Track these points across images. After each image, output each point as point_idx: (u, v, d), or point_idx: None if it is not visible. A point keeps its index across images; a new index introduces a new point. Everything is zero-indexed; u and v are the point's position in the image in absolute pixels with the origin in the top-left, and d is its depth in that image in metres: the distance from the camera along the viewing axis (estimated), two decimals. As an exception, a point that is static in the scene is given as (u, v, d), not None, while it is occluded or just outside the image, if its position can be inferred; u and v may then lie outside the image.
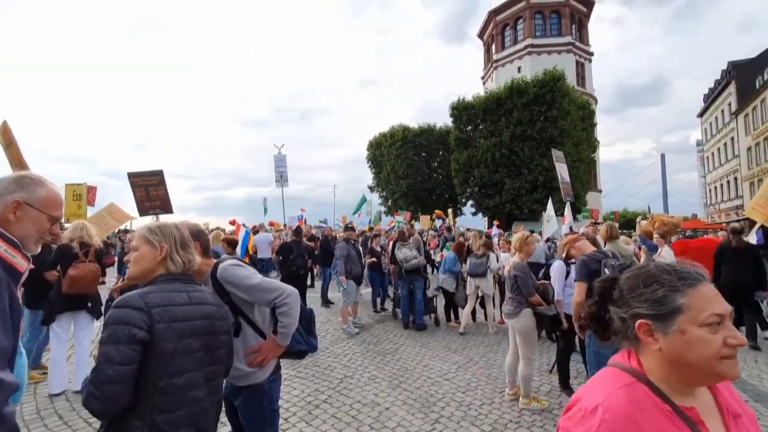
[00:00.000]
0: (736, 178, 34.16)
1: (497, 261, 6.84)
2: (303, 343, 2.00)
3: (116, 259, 7.21)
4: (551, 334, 4.30)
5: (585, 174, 26.56)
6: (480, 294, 6.57)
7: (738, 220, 24.62)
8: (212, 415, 1.42)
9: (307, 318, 2.04)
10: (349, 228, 7.77)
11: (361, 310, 7.72)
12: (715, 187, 39.74)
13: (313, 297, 9.31)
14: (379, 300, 8.17)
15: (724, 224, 19.24)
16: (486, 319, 6.72)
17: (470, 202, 29.62)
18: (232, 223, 9.79)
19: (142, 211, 7.53)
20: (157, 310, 1.28)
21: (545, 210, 10.22)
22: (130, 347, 1.20)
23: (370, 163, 38.34)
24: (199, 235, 1.78)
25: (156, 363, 1.25)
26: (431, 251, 11.71)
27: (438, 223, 21.16)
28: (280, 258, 7.82)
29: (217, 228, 12.93)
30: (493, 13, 40.08)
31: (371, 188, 38.70)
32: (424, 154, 34.43)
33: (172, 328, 1.29)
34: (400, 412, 3.64)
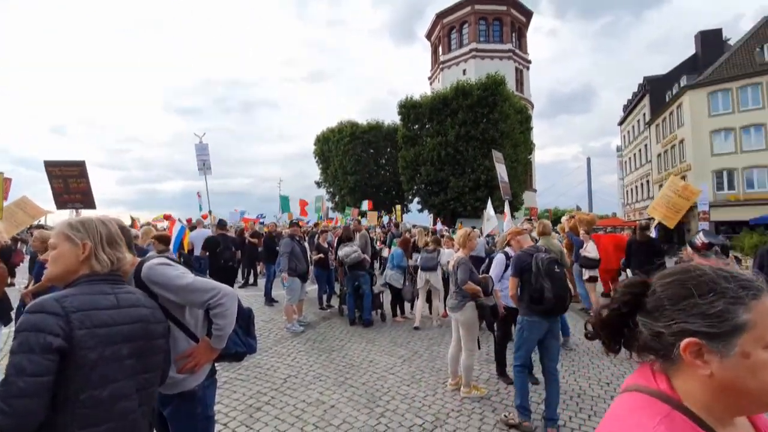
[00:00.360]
0: (648, 181, 38.54)
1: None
2: (241, 345, 1.90)
3: (27, 257, 6.41)
4: (491, 326, 4.56)
5: (522, 174, 28.39)
6: (429, 288, 6.76)
7: (646, 219, 27.83)
8: (144, 426, 1.32)
9: (245, 318, 1.95)
10: (294, 224, 7.60)
11: (306, 307, 7.59)
12: (632, 189, 44.46)
13: (256, 295, 8.99)
14: (325, 297, 8.09)
15: (637, 221, 21.62)
16: (431, 313, 6.95)
17: (417, 199, 30.34)
18: (167, 217, 9.11)
19: (60, 204, 6.79)
20: (78, 315, 1.15)
21: (486, 208, 10.81)
22: (45, 357, 1.07)
23: (317, 158, 37.74)
24: (122, 229, 1.62)
25: (76, 373, 1.13)
26: (379, 248, 11.84)
27: (385, 219, 21.41)
28: (207, 252, 7.59)
29: (148, 224, 11.98)
30: (440, 15, 41.22)
31: (318, 184, 38.13)
32: (372, 150, 34.59)
33: (97, 335, 1.17)
34: (345, 408, 3.65)
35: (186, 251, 8.59)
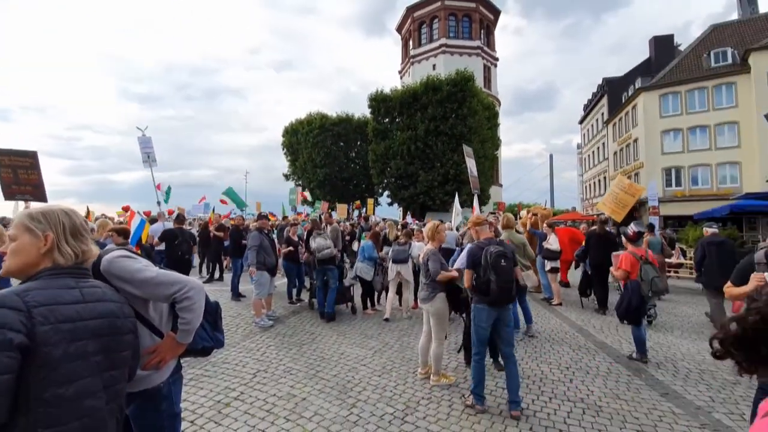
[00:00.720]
0: (605, 178, 40.68)
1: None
2: (208, 340, 1.86)
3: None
4: (462, 314, 4.73)
5: (489, 169, 29.11)
6: (399, 280, 6.84)
7: (599, 213, 29.44)
8: (112, 425, 1.28)
9: (213, 312, 1.91)
10: (262, 217, 7.44)
11: (275, 302, 7.49)
12: (590, 185, 46.80)
13: (222, 290, 8.75)
14: (295, 291, 8.01)
15: (594, 216, 22.79)
16: (401, 305, 7.05)
17: (386, 193, 30.45)
18: (126, 209, 8.66)
19: (8, 195, 6.43)
20: (40, 310, 1.10)
21: (452, 204, 11.10)
22: (6, 354, 1.02)
23: (285, 150, 36.95)
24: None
25: (39, 371, 1.08)
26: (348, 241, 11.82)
27: (355, 215, 21.37)
28: (163, 244, 7.52)
29: (103, 215, 11.31)
30: (411, 9, 41.21)
31: (287, 176, 37.41)
32: (342, 143, 34.29)
33: (61, 330, 1.12)
34: (317, 401, 3.67)
35: (147, 244, 8.22)
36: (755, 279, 2.57)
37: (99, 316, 1.24)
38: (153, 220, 10.28)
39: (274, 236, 8.87)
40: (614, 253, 5.42)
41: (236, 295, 8.09)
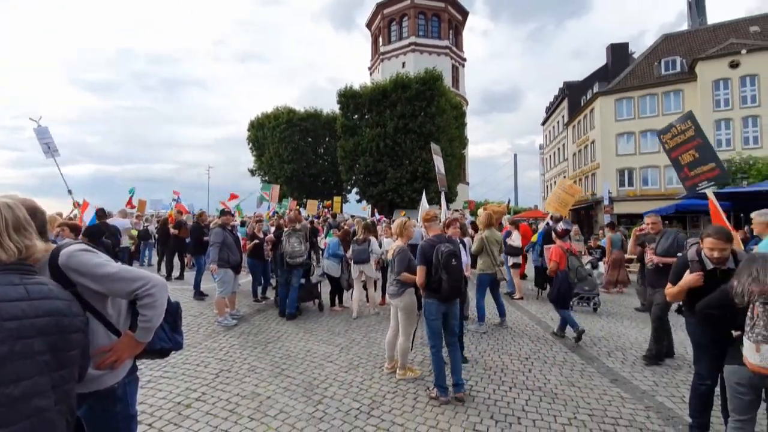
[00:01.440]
0: (564, 177, 42.58)
1: (380, 246, 7.16)
2: (167, 341, 1.80)
3: None
4: None
5: (456, 168, 29.74)
6: (364, 279, 6.85)
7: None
8: (62, 426, 1.23)
9: (173, 312, 1.85)
10: (225, 213, 7.23)
11: (240, 300, 7.33)
12: (551, 184, 48.86)
13: (184, 289, 8.44)
14: (260, 289, 7.85)
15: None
16: (368, 301, 7.08)
17: (355, 189, 30.38)
18: (75, 204, 8.13)
19: None
20: None
21: (421, 200, 11.25)
22: None
23: (251, 144, 35.97)
24: (33, 213, 1.46)
25: None
26: (318, 238, 11.71)
27: (319, 207, 21.11)
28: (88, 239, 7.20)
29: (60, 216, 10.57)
30: (381, 5, 41.18)
31: (252, 171, 36.46)
32: (310, 139, 33.83)
33: (6, 328, 1.06)
34: (282, 399, 3.63)
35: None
36: (692, 278, 2.83)
37: (46, 314, 1.19)
38: (102, 215, 9.74)
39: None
40: (546, 246, 5.97)
41: (198, 294, 7.82)
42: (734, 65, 27.00)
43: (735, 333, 2.42)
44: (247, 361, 4.56)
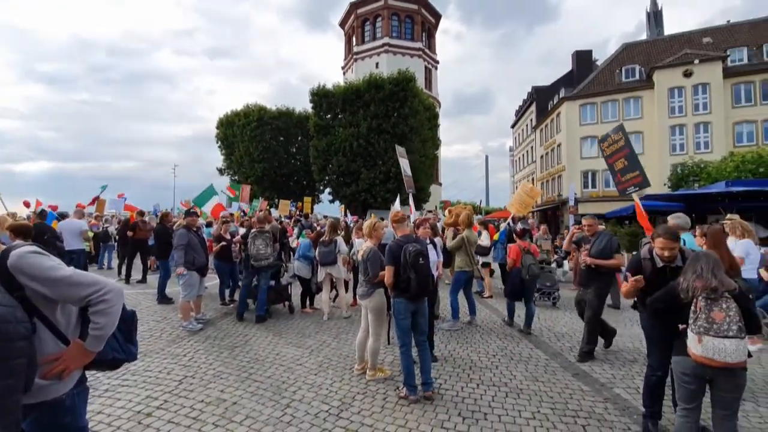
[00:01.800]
0: (533, 179, 44.00)
1: (346, 245, 7.05)
2: (119, 351, 1.72)
3: None
4: None
5: (429, 168, 30.07)
6: (333, 280, 6.78)
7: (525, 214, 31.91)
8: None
9: (128, 321, 1.78)
10: (191, 213, 6.99)
11: (207, 303, 7.13)
12: (531, 185, 50.50)
13: (146, 293, 8.10)
14: (228, 291, 7.65)
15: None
16: (334, 302, 6.99)
17: (328, 190, 30.14)
18: (27, 204, 7.65)
19: None
20: None
21: (393, 202, 11.35)
22: None
23: (220, 143, 34.97)
24: None
25: None
26: (289, 239, 11.54)
27: (292, 208, 20.81)
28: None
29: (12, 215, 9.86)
30: (354, 5, 41.08)
31: (221, 171, 35.46)
32: (282, 138, 33.26)
33: None
34: (249, 404, 3.56)
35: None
36: (629, 283, 3.00)
37: None
38: (62, 216, 9.22)
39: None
40: (509, 245, 6.36)
41: (163, 298, 7.52)
42: (688, 74, 28.81)
43: (681, 326, 2.58)
44: (213, 367, 4.43)
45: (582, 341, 4.81)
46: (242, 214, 13.18)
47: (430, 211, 12.87)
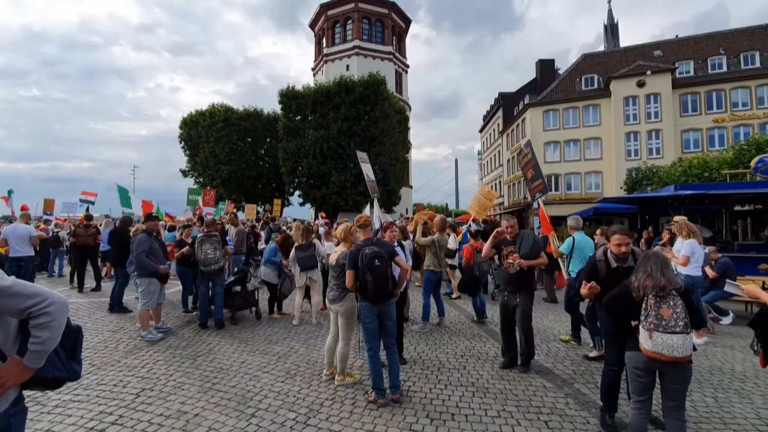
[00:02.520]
0: (500, 182, 45.32)
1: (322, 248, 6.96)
2: (61, 369, 1.59)
3: None
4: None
5: (400, 171, 30.29)
6: (308, 284, 6.61)
7: (495, 215, 32.86)
8: None
9: (72, 337, 1.65)
10: (152, 218, 6.67)
11: (168, 311, 6.83)
12: (489, 189, 51.85)
13: (102, 302, 7.65)
14: (190, 298, 7.35)
15: (492, 216, 25.30)
16: (303, 306, 6.87)
17: (298, 192, 29.71)
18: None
19: None
20: None
21: (365, 205, 11.37)
22: None
23: (183, 143, 33.74)
24: None
25: None
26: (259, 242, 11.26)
27: (259, 210, 20.37)
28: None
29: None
30: (325, 6, 40.88)
31: (185, 172, 34.20)
32: (249, 139, 32.54)
33: None
34: (211, 415, 3.43)
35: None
36: (585, 287, 3.14)
37: None
38: (7, 220, 8.55)
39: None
40: (464, 244, 6.80)
41: (119, 307, 7.11)
42: (641, 84, 30.70)
43: (633, 323, 2.73)
44: (173, 378, 4.24)
45: (521, 347, 4.48)
46: (197, 218, 12.33)
47: (407, 218, 13.00)
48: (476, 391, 3.95)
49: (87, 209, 13.26)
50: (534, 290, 4.64)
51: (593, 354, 4.92)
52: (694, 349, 2.56)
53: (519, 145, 37.64)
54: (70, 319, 1.59)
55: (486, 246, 4.64)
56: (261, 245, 11.08)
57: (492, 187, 49.04)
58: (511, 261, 4.38)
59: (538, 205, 7.62)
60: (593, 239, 5.84)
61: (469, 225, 9.23)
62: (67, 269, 11.31)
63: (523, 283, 4.42)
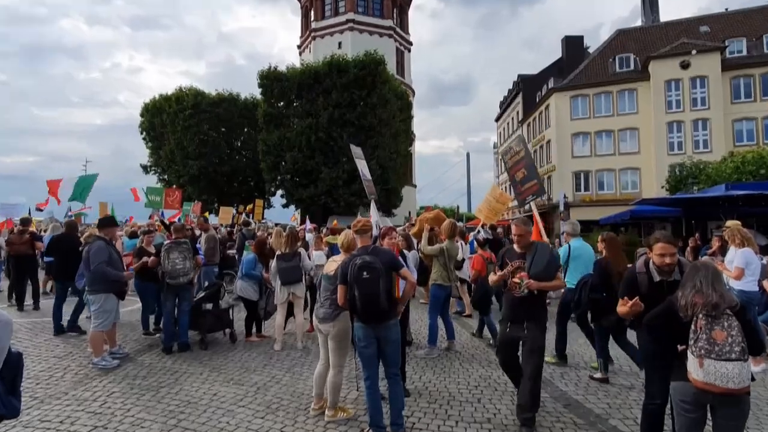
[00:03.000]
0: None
1: (309, 259, 6.85)
2: None
3: None
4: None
5: (401, 167, 30.39)
6: (291, 300, 6.51)
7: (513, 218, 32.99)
8: None
9: (12, 367, 1.65)
10: (110, 222, 6.62)
11: (126, 333, 6.80)
12: (507, 187, 51.91)
13: (44, 323, 7.60)
14: (152, 318, 7.31)
15: (508, 221, 25.36)
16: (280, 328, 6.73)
17: (280, 192, 29.73)
18: None
19: None
20: None
21: (359, 207, 11.37)
22: None
23: (145, 134, 33.79)
24: None
25: None
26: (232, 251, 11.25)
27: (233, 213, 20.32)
28: None
29: None
30: (313, -28, 41.13)
31: (146, 168, 34.25)
32: (223, 129, 32.64)
33: None
34: (177, 458, 3.40)
35: None
36: (625, 304, 3.05)
37: None
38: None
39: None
40: (468, 256, 6.73)
41: (66, 327, 7.06)
42: (685, 66, 30.87)
43: (680, 347, 2.71)
44: (131, 413, 4.21)
45: (521, 396, 3.93)
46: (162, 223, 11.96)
47: (413, 224, 13.02)
48: (492, 428, 3.93)
49: (29, 212, 13.20)
50: (546, 321, 4.09)
51: (597, 375, 5.21)
52: (753, 378, 2.55)
53: (541, 137, 37.84)
54: (10, 348, 1.58)
55: (493, 276, 4.20)
56: (231, 251, 11.06)
57: (509, 187, 49.27)
58: (517, 281, 3.81)
59: (531, 208, 7.84)
60: (595, 247, 5.94)
61: (478, 231, 9.29)
62: (5, 283, 11.26)
63: (532, 310, 3.90)
